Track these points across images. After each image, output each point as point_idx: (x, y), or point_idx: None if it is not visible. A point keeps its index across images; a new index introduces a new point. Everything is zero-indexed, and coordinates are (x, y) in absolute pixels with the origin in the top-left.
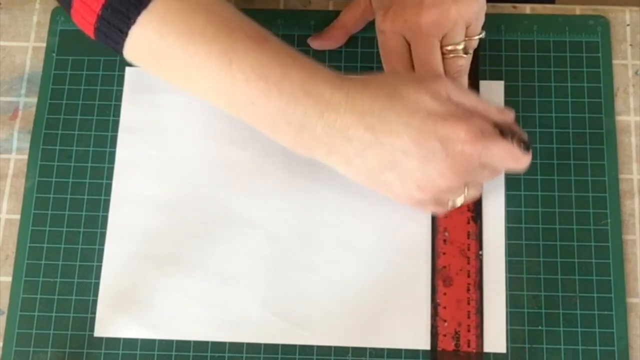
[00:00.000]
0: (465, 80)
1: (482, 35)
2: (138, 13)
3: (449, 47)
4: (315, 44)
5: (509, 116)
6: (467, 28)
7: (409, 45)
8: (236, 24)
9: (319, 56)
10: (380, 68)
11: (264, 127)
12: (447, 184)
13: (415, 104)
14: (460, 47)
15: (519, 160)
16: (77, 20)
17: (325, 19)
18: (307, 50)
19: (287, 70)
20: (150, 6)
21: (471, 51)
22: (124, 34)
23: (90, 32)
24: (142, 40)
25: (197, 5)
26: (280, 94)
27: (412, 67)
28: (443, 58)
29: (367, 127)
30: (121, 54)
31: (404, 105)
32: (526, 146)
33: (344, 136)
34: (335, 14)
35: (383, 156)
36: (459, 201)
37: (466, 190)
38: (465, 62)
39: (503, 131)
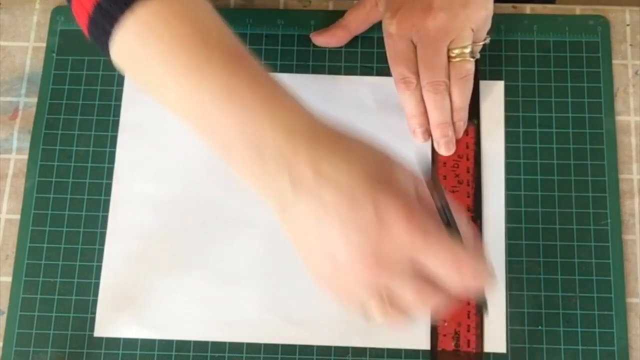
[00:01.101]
0: (470, 84)
1: (488, 40)
2: (122, 14)
3: (456, 52)
4: (318, 40)
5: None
6: (474, 33)
7: (416, 48)
8: (217, 38)
9: (320, 54)
10: (379, 68)
11: (220, 147)
12: (364, 266)
13: (375, 168)
14: (467, 50)
15: (461, 266)
16: (77, 19)
17: (325, 19)
18: (306, 50)
19: (257, 91)
20: (137, 9)
21: (478, 55)
22: (110, 35)
23: (85, 32)
24: (124, 45)
25: (184, 14)
26: (243, 111)
27: (418, 70)
28: (450, 62)
29: (316, 170)
30: (109, 57)
31: (362, 167)
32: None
33: (290, 172)
34: (335, 13)
35: (315, 206)
36: (372, 309)
37: (385, 298)
38: (471, 66)
39: (450, 223)
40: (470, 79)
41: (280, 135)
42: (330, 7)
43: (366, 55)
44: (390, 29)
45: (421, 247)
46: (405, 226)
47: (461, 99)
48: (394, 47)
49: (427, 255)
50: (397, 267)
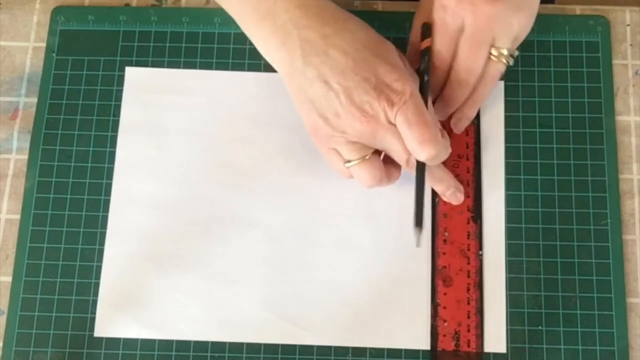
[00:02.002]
0: (494, 86)
1: (516, 53)
2: None
3: (494, 51)
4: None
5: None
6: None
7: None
8: None
9: None
10: None
11: (240, 17)
12: (362, 116)
13: (375, 42)
14: (505, 53)
15: (424, 140)
16: None
17: None
18: None
19: None
20: None
21: (511, 61)
22: None
23: None
24: None
25: None
26: None
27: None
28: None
29: (323, 35)
30: None
31: (364, 38)
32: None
33: (299, 35)
34: None
35: (322, 67)
36: (353, 163)
37: (368, 157)
38: (503, 68)
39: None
40: (496, 81)
41: (291, 7)
42: None
43: None
44: (447, 1)
45: (404, 110)
46: (398, 96)
47: (481, 96)
48: (443, 21)
49: (402, 121)
50: (381, 123)
